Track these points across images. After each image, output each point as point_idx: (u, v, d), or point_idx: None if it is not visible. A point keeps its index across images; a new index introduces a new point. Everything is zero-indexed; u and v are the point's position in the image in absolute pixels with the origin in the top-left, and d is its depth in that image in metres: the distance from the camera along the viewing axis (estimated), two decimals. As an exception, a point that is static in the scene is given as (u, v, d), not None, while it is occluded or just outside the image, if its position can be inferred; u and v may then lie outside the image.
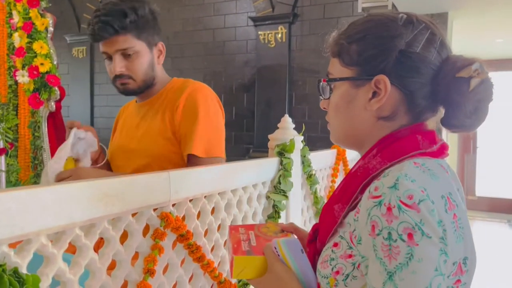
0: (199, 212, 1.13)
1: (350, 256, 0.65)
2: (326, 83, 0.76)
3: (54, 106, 3.48)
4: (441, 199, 0.60)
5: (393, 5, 4.90)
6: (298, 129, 1.63)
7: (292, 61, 5.47)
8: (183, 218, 1.07)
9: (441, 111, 0.74)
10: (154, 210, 0.98)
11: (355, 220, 0.66)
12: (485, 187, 6.16)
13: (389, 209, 0.58)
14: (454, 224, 0.60)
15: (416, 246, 0.56)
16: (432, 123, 0.77)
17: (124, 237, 0.92)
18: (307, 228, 1.84)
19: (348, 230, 0.68)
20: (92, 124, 6.83)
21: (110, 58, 1.32)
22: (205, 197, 1.14)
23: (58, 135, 3.57)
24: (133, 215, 0.93)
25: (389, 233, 0.57)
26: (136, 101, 1.47)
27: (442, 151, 0.70)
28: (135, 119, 1.42)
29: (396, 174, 0.61)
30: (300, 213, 1.69)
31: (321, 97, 0.79)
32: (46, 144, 3.55)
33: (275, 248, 0.73)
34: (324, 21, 5.35)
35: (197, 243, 1.08)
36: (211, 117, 1.32)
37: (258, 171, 1.39)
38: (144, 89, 1.37)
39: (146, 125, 1.36)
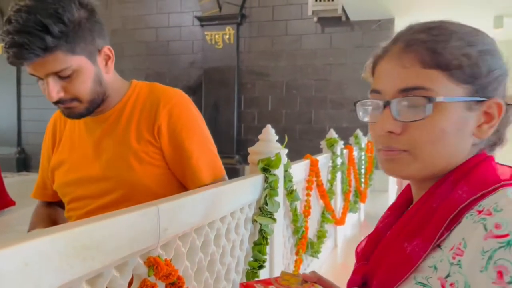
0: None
1: None
2: (426, 101, 0.58)
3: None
4: None
5: (343, 9, 4.92)
6: (247, 132, 1.46)
7: (240, 63, 5.32)
8: (171, 260, 0.86)
9: None
10: (139, 256, 0.77)
11: (452, 264, 0.53)
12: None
13: None
14: None
15: None
16: None
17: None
18: (287, 249, 1.68)
19: (435, 276, 0.54)
20: (19, 128, 6.21)
21: (41, 78, 1.00)
22: (194, 231, 0.94)
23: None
24: (117, 267, 0.71)
25: None
26: None
27: None
28: (90, 137, 1.12)
29: None
30: (281, 234, 1.53)
31: (403, 119, 0.60)
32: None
33: None
34: (273, 23, 5.25)
35: (188, 290, 0.87)
36: (204, 134, 1.11)
37: (244, 191, 1.21)
38: (94, 108, 1.06)
39: (111, 146, 1.08)
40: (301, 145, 5.18)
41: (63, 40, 0.94)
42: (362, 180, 3.68)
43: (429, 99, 0.57)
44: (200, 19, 5.44)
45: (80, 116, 1.05)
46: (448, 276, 0.53)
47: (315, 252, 1.96)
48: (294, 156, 2.10)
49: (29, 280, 0.52)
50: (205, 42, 5.44)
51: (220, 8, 5.41)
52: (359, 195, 3.31)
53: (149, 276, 0.78)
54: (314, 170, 1.97)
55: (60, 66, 0.96)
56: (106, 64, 1.07)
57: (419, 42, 0.60)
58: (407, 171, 0.62)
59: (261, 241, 1.28)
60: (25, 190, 1.20)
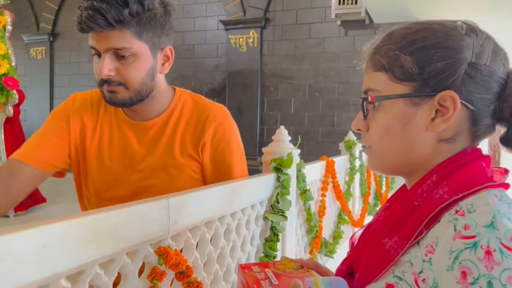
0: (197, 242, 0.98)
1: None
2: (372, 102, 0.65)
3: (12, 111, 3.21)
4: None
5: (366, 12, 4.91)
6: (269, 134, 1.51)
7: (264, 66, 5.37)
8: (181, 250, 0.92)
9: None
10: (150, 244, 0.82)
11: (424, 261, 0.56)
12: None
13: (488, 253, 0.48)
14: None
15: None
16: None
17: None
18: (300, 248, 1.72)
19: (410, 270, 0.57)
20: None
21: (99, 55, 1.01)
22: (204, 224, 0.99)
23: (16, 143, 3.29)
24: (128, 254, 0.77)
25: (489, 283, 0.47)
26: (124, 112, 1.14)
27: (509, 182, 0.62)
28: (134, 142, 1.12)
29: (489, 210, 0.52)
30: (294, 231, 1.56)
31: (363, 116, 0.67)
32: (2, 153, 3.27)
33: None
34: (296, 26, 5.29)
35: (197, 279, 0.92)
36: (241, 150, 1.22)
37: (256, 189, 1.25)
38: (136, 102, 1.06)
39: (155, 155, 1.11)
40: (324, 147, 5.19)
41: (135, 21, 0.99)
42: (383, 182, 3.67)
43: (364, 100, 0.64)
44: (225, 23, 5.53)
45: (121, 103, 1.05)
46: (421, 272, 0.56)
47: (330, 252, 1.98)
48: (316, 158, 2.14)
49: (47, 260, 0.59)
50: (229, 45, 5.52)
51: (244, 12, 5.48)
52: (380, 198, 3.30)
53: (159, 264, 0.83)
54: (329, 171, 2.00)
55: (123, 44, 0.99)
56: (164, 64, 1.10)
57: (375, 48, 0.67)
58: (374, 165, 0.69)
59: (272, 238, 1.32)
60: (55, 188, 1.26)
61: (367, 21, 4.93)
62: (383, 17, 4.63)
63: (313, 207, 1.88)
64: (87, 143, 1.14)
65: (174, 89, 1.20)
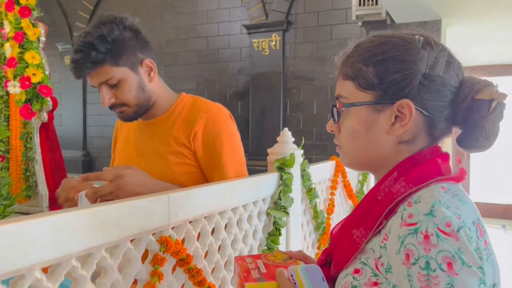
0: (199, 234, 1.09)
1: (375, 284, 0.63)
2: (340, 108, 0.73)
3: (47, 117, 3.42)
4: (473, 225, 0.59)
5: (387, 13, 4.92)
6: (293, 136, 1.59)
7: (286, 68, 5.46)
8: (183, 241, 1.03)
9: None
10: (153, 234, 0.94)
11: (381, 247, 0.64)
12: (479, 193, 6.16)
13: (426, 237, 0.56)
14: (486, 251, 0.59)
15: (456, 276, 0.54)
16: (443, 143, 0.76)
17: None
18: (307, 243, 1.81)
19: (373, 256, 0.65)
20: (84, 133, 6.76)
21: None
22: (205, 217, 1.10)
23: (50, 146, 3.51)
24: (132, 241, 0.89)
25: (427, 262, 0.55)
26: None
27: (462, 175, 0.68)
28: (141, 138, 1.35)
29: (430, 200, 0.59)
30: (300, 227, 1.65)
31: (334, 119, 0.76)
32: (38, 156, 3.49)
33: (292, 276, 0.69)
34: (318, 28, 5.35)
35: (197, 267, 1.04)
36: (235, 145, 1.31)
37: (258, 187, 1.36)
38: (143, 112, 1.29)
39: (156, 146, 1.30)
40: (347, 148, 5.21)
41: (108, 55, 1.18)
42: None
43: (333, 106, 0.72)
44: (248, 27, 5.64)
45: (131, 118, 1.29)
46: (380, 257, 0.63)
47: (339, 248, 2.05)
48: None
49: (59, 243, 0.71)
50: (252, 49, 5.63)
51: (266, 15, 5.58)
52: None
53: (160, 251, 0.95)
54: (339, 170, 2.07)
55: (107, 76, 1.20)
56: (149, 74, 1.28)
57: (345, 58, 0.74)
58: (344, 162, 0.77)
59: (274, 232, 1.42)
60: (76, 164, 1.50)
61: (388, 22, 4.93)
62: (405, 16, 4.62)
63: (322, 205, 1.96)
64: (117, 147, 1.46)
65: (181, 94, 1.37)
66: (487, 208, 6.02)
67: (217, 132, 1.28)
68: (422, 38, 0.70)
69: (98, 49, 1.17)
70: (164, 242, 0.94)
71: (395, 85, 0.68)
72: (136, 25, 1.27)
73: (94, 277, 0.81)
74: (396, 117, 0.68)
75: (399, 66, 0.68)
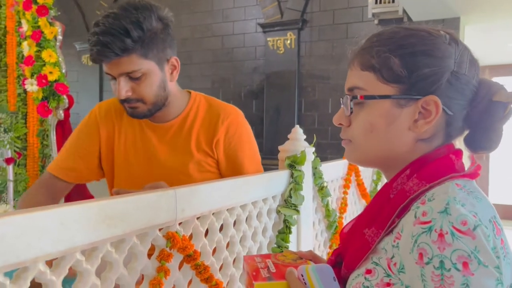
0: (207, 230, 1.08)
1: (388, 284, 0.61)
2: (362, 100, 0.69)
3: (63, 115, 3.47)
4: (489, 223, 0.57)
5: (404, 11, 4.85)
6: (307, 135, 1.58)
7: (301, 67, 5.43)
8: (190, 237, 1.02)
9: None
10: (160, 230, 0.93)
11: (393, 247, 0.62)
12: (498, 194, 6.04)
13: (440, 235, 0.54)
14: (503, 250, 0.56)
15: (472, 276, 0.52)
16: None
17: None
18: (319, 242, 1.79)
19: (385, 256, 0.63)
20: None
21: (115, 78, 1.14)
22: (213, 214, 1.09)
23: (66, 143, 3.55)
24: (138, 236, 0.88)
25: (441, 262, 0.53)
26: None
27: (477, 172, 0.67)
28: (155, 143, 1.25)
29: (445, 198, 0.57)
30: (311, 226, 1.64)
31: (347, 111, 0.71)
32: (54, 153, 3.54)
33: (302, 276, 0.68)
34: (333, 26, 5.30)
35: (205, 263, 1.03)
36: (253, 148, 1.32)
37: (269, 184, 1.34)
38: (155, 112, 1.19)
39: (174, 154, 1.24)
40: (362, 147, 5.16)
41: (139, 45, 1.08)
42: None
43: (353, 98, 0.69)
44: (263, 25, 5.63)
45: (142, 116, 1.19)
46: (392, 257, 0.62)
47: (352, 248, 2.03)
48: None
49: (65, 236, 0.70)
50: (267, 48, 5.62)
51: (282, 14, 5.56)
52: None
53: (167, 247, 0.94)
54: (352, 169, 2.05)
55: (133, 67, 1.10)
56: (172, 73, 1.21)
57: (363, 47, 0.70)
58: (352, 158, 0.74)
59: (284, 230, 1.41)
60: (102, 186, 1.43)
61: (405, 19, 4.86)
62: (422, 14, 4.55)
63: (334, 203, 1.94)
64: (115, 146, 1.30)
65: (190, 92, 1.32)
66: (506, 210, 5.89)
67: (239, 140, 1.27)
68: (447, 34, 0.68)
69: (132, 35, 1.05)
70: (170, 238, 0.94)
71: (423, 80, 0.65)
72: (170, 17, 1.17)
73: (99, 272, 0.81)
74: (419, 113, 0.66)
75: (428, 61, 0.65)
